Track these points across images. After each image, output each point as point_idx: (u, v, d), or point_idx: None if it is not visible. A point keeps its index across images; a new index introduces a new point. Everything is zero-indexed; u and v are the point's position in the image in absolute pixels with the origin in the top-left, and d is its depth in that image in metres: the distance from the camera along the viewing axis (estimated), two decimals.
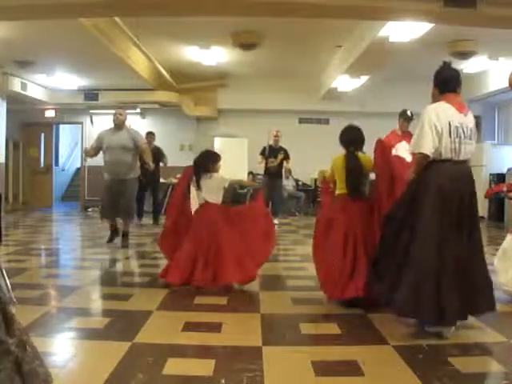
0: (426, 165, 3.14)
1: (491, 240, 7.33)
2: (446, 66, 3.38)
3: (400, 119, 6.88)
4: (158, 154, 9.54)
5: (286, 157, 9.76)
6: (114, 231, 6.66)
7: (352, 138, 3.97)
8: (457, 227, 3.03)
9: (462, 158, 3.12)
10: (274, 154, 9.68)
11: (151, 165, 6.75)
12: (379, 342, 3.02)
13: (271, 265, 5.79)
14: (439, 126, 3.05)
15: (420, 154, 3.12)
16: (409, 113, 6.82)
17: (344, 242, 3.71)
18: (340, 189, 3.92)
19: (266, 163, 9.72)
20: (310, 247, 4.06)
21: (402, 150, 6.79)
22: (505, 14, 5.24)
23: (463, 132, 3.10)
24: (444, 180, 3.07)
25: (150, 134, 9.79)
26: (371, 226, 3.71)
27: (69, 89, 11.35)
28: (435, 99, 3.26)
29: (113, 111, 6.87)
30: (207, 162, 4.57)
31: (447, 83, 3.26)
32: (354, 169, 3.85)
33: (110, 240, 6.61)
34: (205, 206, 4.56)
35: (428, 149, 3.08)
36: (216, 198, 4.54)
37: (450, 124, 3.07)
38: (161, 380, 2.46)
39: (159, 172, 9.82)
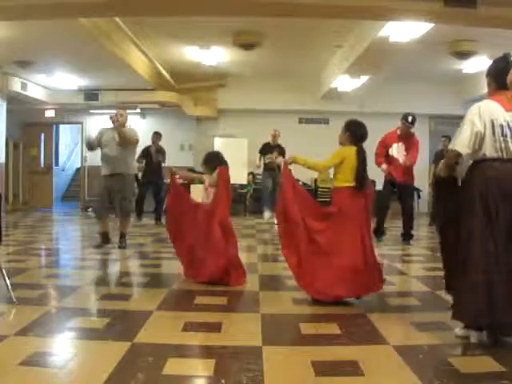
0: (471, 166, 3.02)
1: None
2: (506, 58, 3.09)
3: (401, 122, 6.90)
4: (161, 153, 9.78)
5: (282, 153, 9.93)
6: (106, 235, 6.42)
7: (363, 134, 4.01)
8: (507, 233, 2.83)
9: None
10: (270, 150, 9.91)
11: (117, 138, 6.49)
12: (379, 341, 3.01)
13: (271, 265, 5.80)
14: (480, 125, 2.92)
15: (452, 151, 3.00)
16: (410, 119, 6.82)
17: (361, 237, 3.79)
18: (348, 181, 3.90)
19: (264, 160, 10.02)
20: None
21: (397, 151, 6.83)
22: (505, 14, 5.24)
23: (510, 130, 2.92)
24: (488, 178, 2.91)
25: (156, 135, 9.91)
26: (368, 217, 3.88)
27: (69, 89, 11.35)
28: (489, 93, 3.11)
29: (113, 111, 6.84)
30: (217, 161, 4.76)
31: (502, 79, 3.03)
32: (365, 164, 3.93)
33: (100, 245, 6.36)
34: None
35: (461, 146, 2.95)
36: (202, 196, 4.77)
37: (493, 123, 2.92)
38: (161, 380, 2.46)
39: (162, 171, 9.88)
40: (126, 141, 6.33)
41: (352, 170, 3.88)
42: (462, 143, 2.97)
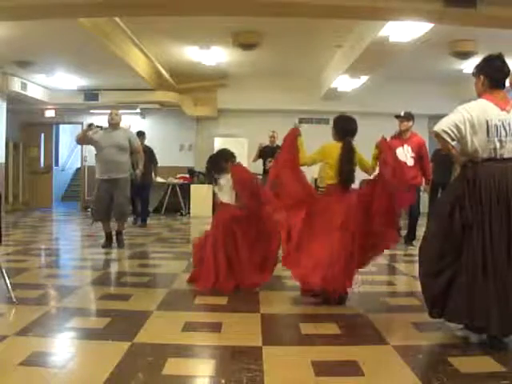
0: (463, 166, 3.03)
1: None
2: (500, 57, 3.06)
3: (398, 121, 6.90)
4: (148, 154, 9.42)
5: None
6: (109, 236, 6.58)
7: (349, 128, 3.95)
8: (501, 234, 2.82)
9: (506, 156, 2.91)
10: (271, 153, 9.69)
11: (140, 170, 6.83)
12: (379, 342, 3.01)
13: None
14: (474, 120, 2.90)
15: (433, 131, 3.02)
16: (402, 113, 6.84)
17: (341, 233, 3.68)
18: (331, 178, 3.88)
19: (264, 163, 9.78)
20: None
21: (402, 155, 6.77)
22: (505, 14, 5.24)
23: (504, 129, 2.89)
24: (481, 178, 2.90)
25: (139, 136, 9.54)
26: (362, 217, 3.71)
27: (69, 89, 11.34)
28: (481, 91, 3.06)
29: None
30: (221, 160, 4.55)
31: (498, 78, 3.01)
32: (352, 159, 3.86)
33: (106, 245, 6.52)
34: (221, 206, 4.53)
35: (441, 126, 2.96)
36: (229, 198, 4.51)
37: (487, 123, 2.90)
38: (161, 380, 2.46)
39: (151, 172, 9.73)
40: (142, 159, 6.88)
41: (334, 167, 3.84)
42: (442, 124, 2.99)
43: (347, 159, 3.84)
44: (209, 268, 4.24)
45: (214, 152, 4.63)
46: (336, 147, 3.90)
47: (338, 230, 3.69)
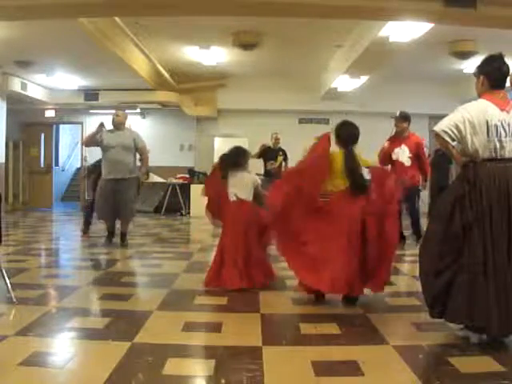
0: (463, 166, 3.03)
1: None
2: (501, 57, 3.05)
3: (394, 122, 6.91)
4: None
5: (285, 158, 9.72)
6: (112, 233, 6.66)
7: (352, 135, 3.93)
8: (501, 233, 2.83)
9: (507, 156, 2.91)
10: (273, 155, 9.58)
11: (143, 172, 6.79)
12: (379, 342, 3.01)
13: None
14: (474, 120, 2.91)
15: (433, 131, 3.02)
16: (397, 113, 6.82)
17: (348, 239, 3.66)
18: (337, 185, 3.83)
19: (266, 165, 9.63)
20: None
21: (402, 155, 6.76)
22: (505, 14, 5.25)
23: (504, 130, 2.90)
24: (481, 178, 2.90)
25: None
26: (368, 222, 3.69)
27: (69, 89, 11.35)
28: (481, 91, 3.07)
29: (113, 111, 6.89)
30: (238, 157, 4.56)
31: (498, 78, 3.02)
32: (357, 166, 3.82)
33: (107, 242, 6.60)
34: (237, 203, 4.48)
35: (441, 126, 2.97)
36: (247, 195, 4.48)
37: (487, 123, 2.90)
38: (161, 380, 2.46)
39: None
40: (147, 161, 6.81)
41: (338, 174, 3.81)
42: (442, 124, 2.99)
43: (355, 168, 3.81)
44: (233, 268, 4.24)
45: (229, 150, 4.63)
46: (338, 155, 3.87)
47: (345, 236, 3.66)
